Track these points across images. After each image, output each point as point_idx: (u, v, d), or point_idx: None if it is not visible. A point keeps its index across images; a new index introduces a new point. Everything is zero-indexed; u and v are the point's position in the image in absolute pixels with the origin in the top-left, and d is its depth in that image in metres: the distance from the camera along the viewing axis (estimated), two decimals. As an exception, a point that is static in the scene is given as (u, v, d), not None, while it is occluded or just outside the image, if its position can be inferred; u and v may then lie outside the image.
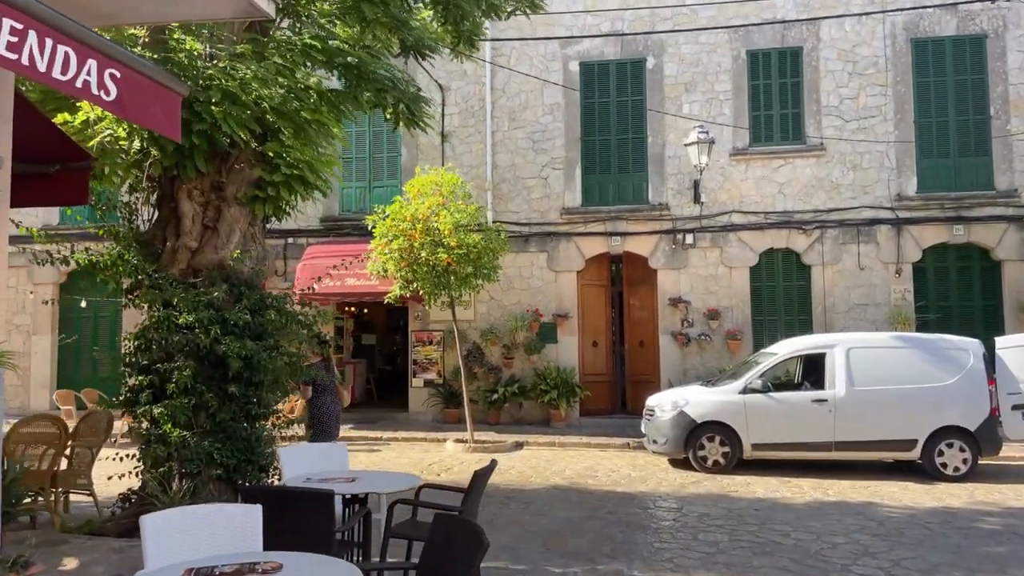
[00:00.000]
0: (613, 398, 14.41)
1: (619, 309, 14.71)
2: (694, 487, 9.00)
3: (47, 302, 11.73)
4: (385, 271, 11.69)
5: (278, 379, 6.16)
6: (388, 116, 7.69)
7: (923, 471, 9.57)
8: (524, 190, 14.14)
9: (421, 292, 11.64)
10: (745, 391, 9.96)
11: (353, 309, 16.81)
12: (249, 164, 6.45)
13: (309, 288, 13.22)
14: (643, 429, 10.75)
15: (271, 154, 6.31)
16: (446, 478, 9.44)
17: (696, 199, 13.47)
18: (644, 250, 13.80)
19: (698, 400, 10.15)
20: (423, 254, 11.21)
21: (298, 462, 5.40)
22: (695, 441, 9.93)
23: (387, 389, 16.44)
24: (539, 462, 10.61)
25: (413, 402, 14.19)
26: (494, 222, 13.24)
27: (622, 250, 13.92)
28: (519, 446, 11.96)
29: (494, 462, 5.06)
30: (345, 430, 12.94)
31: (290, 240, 14.54)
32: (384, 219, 11.44)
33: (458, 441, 11.85)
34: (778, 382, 10.67)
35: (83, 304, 12.98)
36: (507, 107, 14.24)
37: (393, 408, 14.73)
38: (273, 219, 6.93)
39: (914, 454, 9.64)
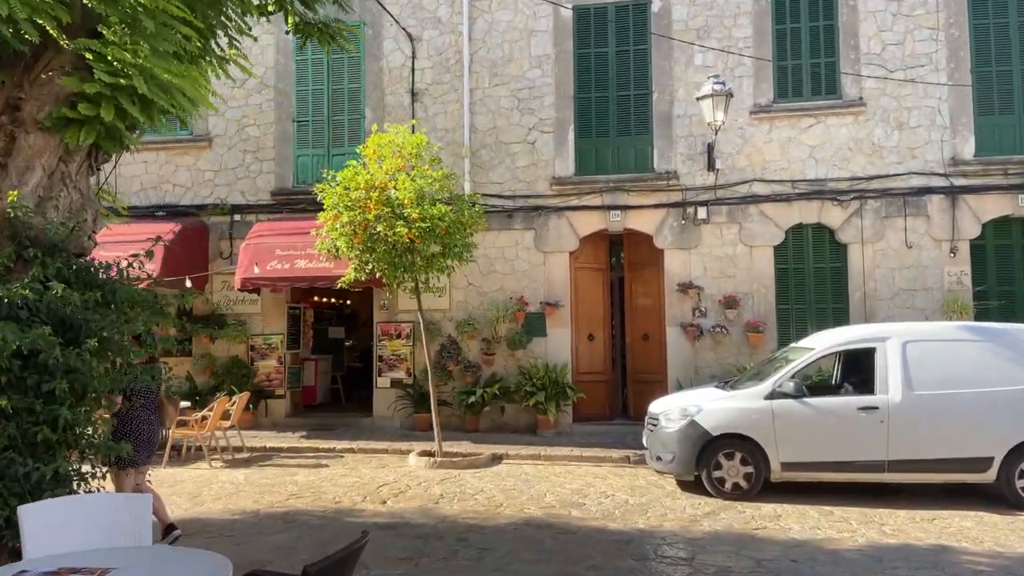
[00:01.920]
0: (612, 401, 12.34)
1: (619, 297, 12.65)
2: (709, 521, 6.94)
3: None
4: (336, 250, 9.67)
5: (88, 389, 4.12)
6: (290, 25, 5.69)
7: (1000, 497, 7.49)
8: (508, 157, 12.08)
9: (379, 275, 9.63)
10: (773, 395, 7.90)
11: (319, 298, 14.80)
12: (62, 72, 4.44)
13: (251, 272, 11.39)
14: (645, 442, 8.71)
15: (88, 56, 4.29)
16: (394, 507, 7.42)
17: (710, 166, 11.37)
18: (648, 227, 11.71)
19: (714, 407, 8.09)
20: (379, 228, 9.20)
21: (54, 527, 3.36)
22: (710, 459, 7.88)
23: (358, 389, 14.44)
24: (516, 482, 8.58)
25: (378, 405, 12.18)
26: (471, 194, 11.18)
27: (622, 227, 11.83)
28: (496, 460, 9.93)
29: (365, 535, 2.97)
30: (295, 438, 10.99)
31: (237, 217, 12.54)
32: (334, 188, 9.42)
33: (424, 454, 9.85)
34: (812, 384, 8.61)
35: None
36: (488, 60, 12.16)
37: (359, 412, 12.74)
38: (105, 155, 4.91)
39: (989, 476, 7.55)
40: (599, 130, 11.97)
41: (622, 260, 12.64)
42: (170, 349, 7.24)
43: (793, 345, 9.05)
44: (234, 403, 10.33)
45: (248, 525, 6.79)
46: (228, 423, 10.30)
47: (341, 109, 12.46)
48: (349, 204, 9.34)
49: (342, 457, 10.22)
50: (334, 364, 14.66)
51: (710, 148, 11.32)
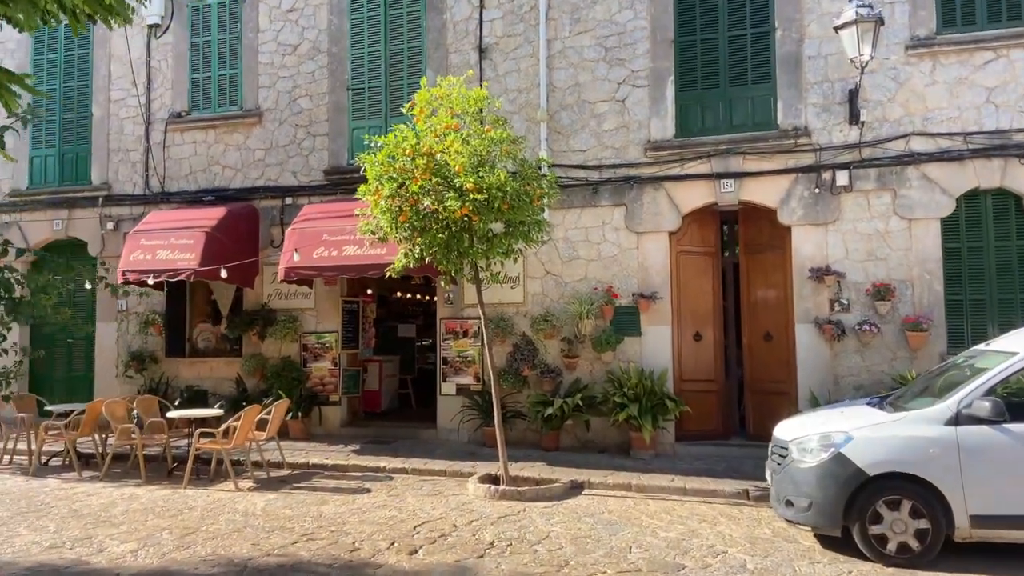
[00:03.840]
0: (724, 416, 10.03)
1: (733, 286, 10.34)
2: (869, 610, 4.68)
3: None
4: (382, 232, 7.96)
5: None
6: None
7: None
8: (592, 119, 10.03)
9: (429, 260, 7.85)
10: (958, 420, 5.51)
11: (384, 291, 13.26)
12: None
13: (292, 260, 9.89)
14: (769, 478, 6.49)
15: None
16: (424, 560, 5.57)
17: (853, 118, 8.90)
18: (770, 198, 9.36)
19: (869, 435, 5.77)
20: (427, 203, 7.41)
21: None
22: (865, 508, 5.59)
23: (431, 395, 12.74)
24: (595, 525, 6.55)
25: (443, 415, 10.43)
26: (541, 161, 9.23)
27: (736, 199, 9.53)
28: (575, 489, 7.94)
29: None
30: (345, 453, 9.42)
31: (288, 200, 11.14)
32: (378, 151, 7.70)
33: (486, 479, 8.01)
34: (1016, 404, 6.10)
35: (88, 286, 10.38)
36: (568, 3, 10.14)
37: (423, 422, 11.04)
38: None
39: None
40: (706, 81, 9.71)
41: (737, 240, 10.31)
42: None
43: (982, 348, 6.52)
44: (270, 411, 8.85)
45: (225, 583, 5.15)
46: (264, 434, 8.84)
47: (399, 72, 10.80)
48: (393, 175, 7.61)
49: (391, 479, 8.52)
50: (403, 366, 13.07)
51: (853, 95, 8.84)
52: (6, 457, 9.52)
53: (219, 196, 11.36)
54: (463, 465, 8.82)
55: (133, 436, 8.68)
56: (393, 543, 6.04)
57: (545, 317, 9.83)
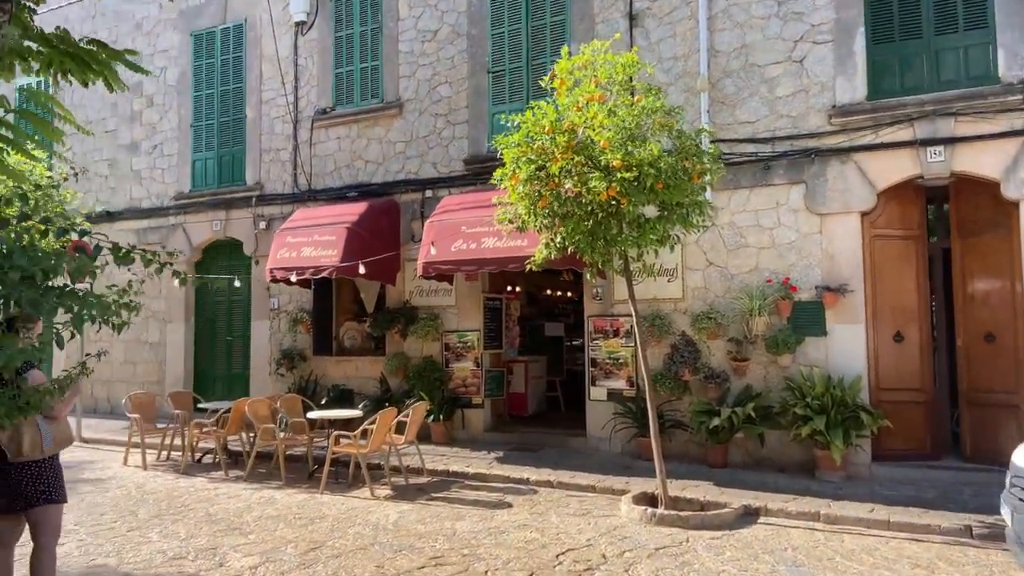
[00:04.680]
0: (934, 432, 8.28)
1: (943, 276, 8.60)
2: None
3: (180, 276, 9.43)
4: (521, 221, 7.16)
5: None
6: None
7: None
8: (763, 85, 8.68)
9: (571, 250, 6.95)
10: None
11: (530, 288, 12.51)
12: None
13: (428, 255, 9.33)
14: (1007, 517, 4.99)
15: None
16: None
17: (1109, 58, 6.99)
18: (992, 168, 7.61)
19: None
20: (568, 184, 6.52)
21: None
22: None
23: (581, 397, 11.84)
24: (776, 566, 5.35)
25: (592, 423, 9.48)
26: (702, 132, 8.04)
27: (947, 171, 7.84)
28: (749, 516, 6.73)
29: None
30: (487, 461, 8.79)
31: (428, 193, 10.66)
32: (514, 132, 6.90)
33: (642, 500, 7.01)
34: None
35: (236, 284, 10.64)
36: (733, -46, 8.87)
37: (572, 429, 10.16)
38: None
39: None
40: (904, 30, 8.08)
41: (947, 221, 8.57)
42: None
43: None
44: (407, 414, 8.34)
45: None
46: (403, 438, 8.34)
47: (542, 50, 9.97)
48: (531, 157, 6.78)
49: (534, 493, 7.70)
50: (551, 367, 12.26)
51: (1110, 28, 6.93)
52: (163, 453, 9.69)
53: (362, 191, 11.11)
54: (615, 480, 7.84)
55: (279, 436, 8.50)
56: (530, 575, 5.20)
57: (708, 314, 8.62)
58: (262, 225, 11.99)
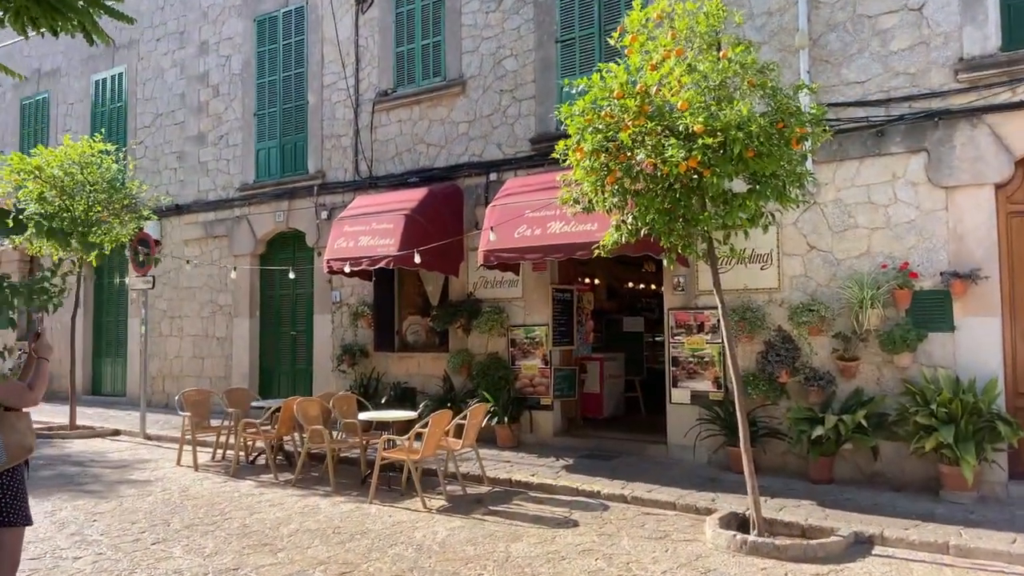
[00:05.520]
0: (1092, 447, 6.89)
1: (1102, 261, 7.14)
2: None
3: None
4: (588, 202, 6.25)
5: None
6: None
7: None
8: (874, 38, 7.43)
9: (645, 232, 5.99)
10: None
11: (606, 279, 11.52)
12: None
13: (488, 242, 8.52)
14: None
15: None
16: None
17: None
18: None
19: None
20: (640, 155, 5.56)
21: None
22: None
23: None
24: (901, 622, 4.28)
25: (674, 429, 8.46)
26: (801, 88, 6.90)
27: (1112, 130, 6.43)
28: (862, 545, 5.62)
29: None
30: (554, 469, 8.01)
31: (492, 176, 9.86)
32: (580, 98, 6.00)
33: (730, 522, 6.00)
34: None
35: (291, 276, 10.30)
36: None
37: (652, 434, 9.15)
38: None
39: None
40: (1055, -39, 6.70)
41: (1107, 195, 7.11)
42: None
43: None
44: (465, 416, 7.57)
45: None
46: (461, 443, 7.58)
47: (615, 14, 8.99)
48: (599, 126, 5.86)
49: (605, 509, 6.78)
50: (629, 365, 11.24)
51: None
52: (218, 453, 9.29)
53: (423, 177, 10.42)
54: (699, 497, 6.83)
55: (329, 438, 7.91)
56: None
57: (809, 306, 7.45)
58: (324, 215, 11.51)
